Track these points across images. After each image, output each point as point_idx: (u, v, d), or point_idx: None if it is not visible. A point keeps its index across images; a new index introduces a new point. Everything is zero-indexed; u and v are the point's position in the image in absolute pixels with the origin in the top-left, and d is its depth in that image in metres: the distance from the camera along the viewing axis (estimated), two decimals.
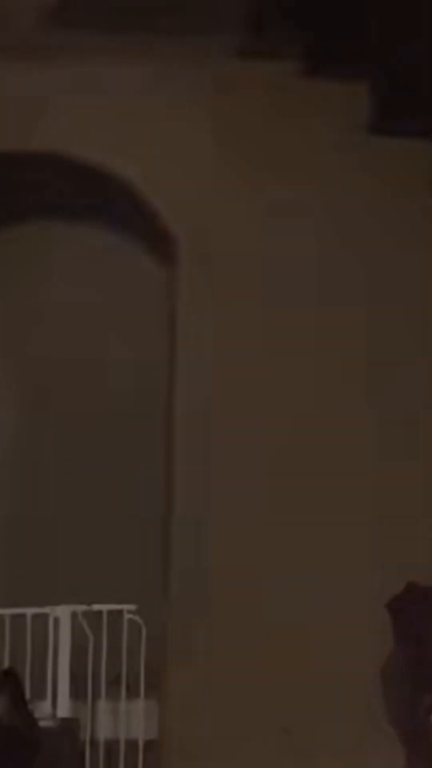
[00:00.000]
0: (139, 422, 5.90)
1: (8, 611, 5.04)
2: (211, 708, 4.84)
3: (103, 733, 5.20)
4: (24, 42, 4.85)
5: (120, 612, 5.03)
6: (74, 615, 5.01)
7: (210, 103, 5.10)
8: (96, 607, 5.02)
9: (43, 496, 5.90)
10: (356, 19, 4.55)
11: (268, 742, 4.84)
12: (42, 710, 4.94)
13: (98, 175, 5.09)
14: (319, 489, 5.00)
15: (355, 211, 5.16)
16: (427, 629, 4.55)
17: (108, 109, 5.07)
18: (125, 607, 5.02)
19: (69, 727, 4.54)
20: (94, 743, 5.16)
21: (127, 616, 5.02)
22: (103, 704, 5.23)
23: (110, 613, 5.04)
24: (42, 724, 4.41)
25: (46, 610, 5.03)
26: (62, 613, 5.01)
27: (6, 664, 4.99)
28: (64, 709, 4.96)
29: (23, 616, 5.02)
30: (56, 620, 5.02)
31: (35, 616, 5.03)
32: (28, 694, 4.43)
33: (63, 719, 4.68)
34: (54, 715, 4.90)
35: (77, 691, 5.22)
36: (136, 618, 5.01)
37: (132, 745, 5.08)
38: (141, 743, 5.04)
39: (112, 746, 5.12)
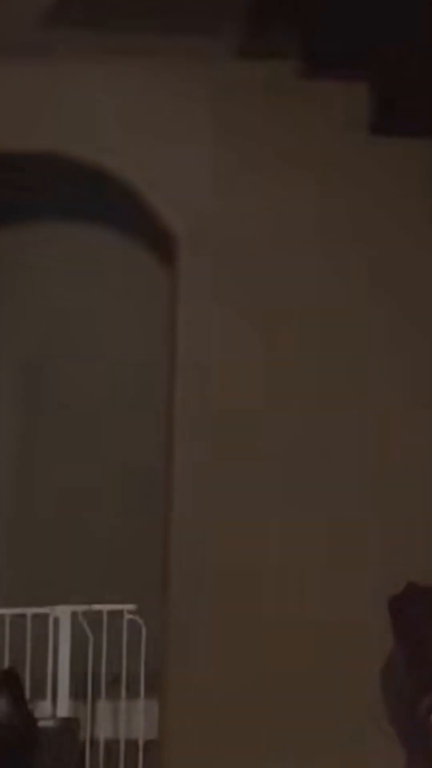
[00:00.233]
0: (139, 422, 5.92)
1: (8, 611, 5.04)
2: (211, 708, 4.84)
3: (103, 733, 5.20)
4: (23, 41, 4.84)
5: (120, 612, 5.03)
6: (74, 615, 5.01)
7: (210, 103, 5.10)
8: (96, 607, 5.02)
9: (43, 495, 5.91)
10: (356, 19, 4.55)
11: (268, 742, 4.84)
12: (42, 710, 4.94)
13: (98, 175, 5.09)
14: (320, 489, 5.00)
15: (355, 210, 5.16)
16: (427, 629, 4.55)
17: (107, 108, 5.07)
18: (125, 607, 5.03)
19: (69, 727, 4.54)
20: (94, 743, 5.16)
21: (127, 616, 5.02)
22: (103, 704, 5.23)
23: (110, 613, 5.04)
24: (42, 724, 4.41)
25: (46, 610, 5.03)
26: (62, 613, 5.01)
27: (6, 664, 4.99)
28: (64, 709, 4.96)
29: (23, 616, 5.02)
30: (56, 620, 5.02)
31: (35, 616, 5.03)
32: (28, 694, 4.43)
33: (63, 719, 4.68)
34: (54, 715, 4.90)
35: (77, 691, 5.23)
36: (136, 618, 5.01)
37: (132, 745, 5.08)
38: (141, 743, 5.04)
39: (112, 746, 5.13)
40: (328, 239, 5.13)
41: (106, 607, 5.03)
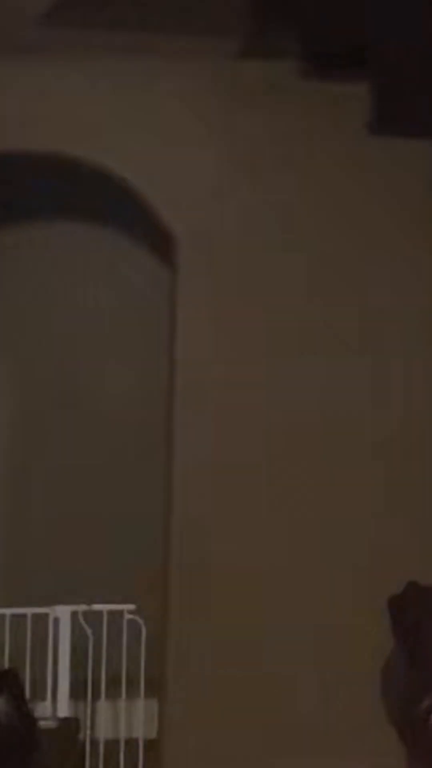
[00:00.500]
0: (139, 422, 5.92)
1: (8, 611, 5.04)
2: (211, 708, 4.84)
3: (103, 733, 5.20)
4: (23, 41, 4.84)
5: (120, 612, 5.03)
6: (74, 615, 5.01)
7: (210, 103, 5.10)
8: (96, 607, 5.02)
9: (44, 495, 5.91)
10: (356, 19, 4.55)
11: (268, 742, 4.84)
12: (42, 710, 4.94)
13: (98, 174, 5.09)
14: (320, 490, 5.01)
15: (355, 210, 5.16)
16: (427, 629, 4.55)
17: (108, 108, 5.07)
18: (125, 607, 5.03)
19: (69, 727, 4.54)
20: (94, 743, 5.16)
21: (127, 616, 5.02)
22: (103, 704, 5.23)
23: (110, 613, 5.04)
24: (42, 724, 4.40)
25: (46, 610, 5.03)
26: (62, 613, 5.01)
27: (6, 664, 4.99)
28: (64, 709, 4.96)
29: (23, 616, 5.02)
30: (56, 620, 5.02)
31: (35, 616, 5.03)
32: (28, 694, 4.42)
33: (63, 719, 4.68)
34: (54, 715, 4.90)
35: (77, 691, 5.23)
36: (136, 618, 5.01)
37: (132, 745, 5.09)
38: (141, 743, 5.05)
39: (112, 746, 5.13)
40: (327, 239, 5.14)
41: (106, 607, 5.03)
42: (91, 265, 6.05)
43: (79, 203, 5.90)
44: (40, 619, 5.03)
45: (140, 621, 5.01)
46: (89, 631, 4.99)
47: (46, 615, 5.03)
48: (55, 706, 4.97)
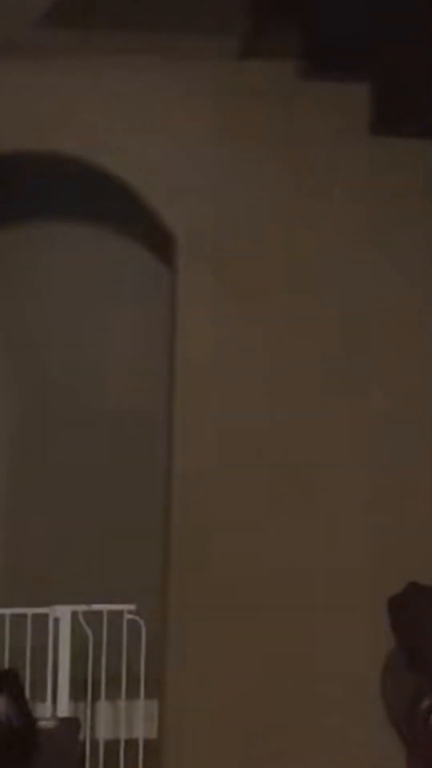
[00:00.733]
0: (139, 421, 5.92)
1: (8, 611, 5.04)
2: (211, 708, 4.84)
3: (103, 733, 5.20)
4: (22, 41, 4.84)
5: (120, 612, 5.03)
6: (74, 615, 5.01)
7: (210, 103, 5.10)
8: (96, 607, 5.02)
9: (44, 495, 5.90)
10: (356, 19, 4.54)
11: (268, 742, 4.84)
12: (42, 710, 4.95)
13: (98, 175, 5.09)
14: (320, 490, 5.00)
15: (355, 210, 5.16)
16: (427, 629, 4.55)
17: (107, 108, 5.06)
18: (125, 607, 5.03)
19: (69, 727, 4.54)
20: (94, 743, 5.16)
21: (127, 616, 5.02)
22: (103, 704, 5.23)
23: (110, 613, 5.04)
24: (42, 724, 4.41)
25: (46, 610, 5.03)
26: (62, 613, 5.01)
27: (6, 664, 4.99)
28: (64, 709, 4.96)
29: (23, 616, 5.02)
30: (56, 620, 5.02)
31: (35, 616, 5.03)
32: (28, 694, 4.43)
33: (63, 719, 4.67)
34: (54, 715, 4.90)
35: (77, 691, 5.23)
36: (136, 618, 5.01)
37: (132, 745, 5.09)
38: (141, 743, 5.05)
39: (112, 746, 5.13)
40: (328, 238, 5.13)
41: (106, 607, 5.03)
42: (91, 265, 6.05)
43: (79, 203, 5.90)
44: (40, 619, 5.03)
45: (140, 621, 5.01)
46: (89, 631, 4.99)
47: (46, 615, 5.03)
48: (55, 706, 4.97)
